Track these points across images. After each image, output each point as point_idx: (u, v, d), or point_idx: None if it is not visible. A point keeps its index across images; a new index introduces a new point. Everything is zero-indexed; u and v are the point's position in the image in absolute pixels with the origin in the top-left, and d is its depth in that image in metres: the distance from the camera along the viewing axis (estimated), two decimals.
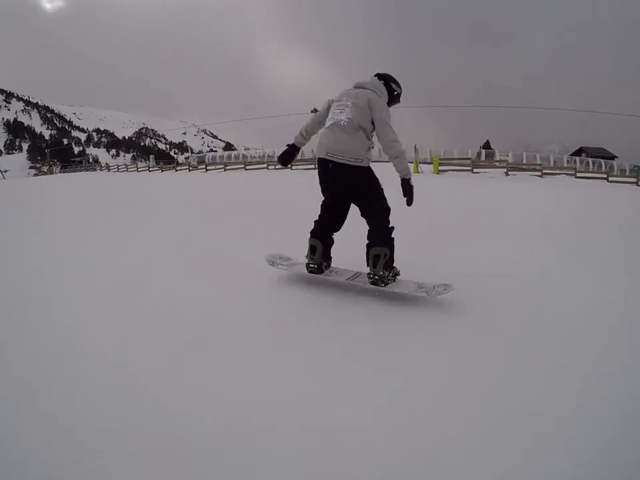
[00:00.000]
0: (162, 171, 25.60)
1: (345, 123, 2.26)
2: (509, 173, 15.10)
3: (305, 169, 16.18)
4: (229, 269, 2.90)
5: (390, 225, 2.34)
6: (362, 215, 2.40)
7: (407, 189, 2.30)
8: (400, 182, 2.31)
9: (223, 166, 22.51)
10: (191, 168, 24.16)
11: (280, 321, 2.14)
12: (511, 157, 26.78)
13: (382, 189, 2.36)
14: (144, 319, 2.13)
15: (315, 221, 2.55)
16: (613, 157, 33.23)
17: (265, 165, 20.35)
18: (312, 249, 2.51)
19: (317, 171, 2.47)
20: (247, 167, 21.30)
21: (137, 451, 1.22)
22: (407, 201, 2.33)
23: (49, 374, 1.63)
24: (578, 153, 40.08)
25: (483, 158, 26.92)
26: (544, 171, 15.58)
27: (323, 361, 1.74)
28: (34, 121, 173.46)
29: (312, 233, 2.54)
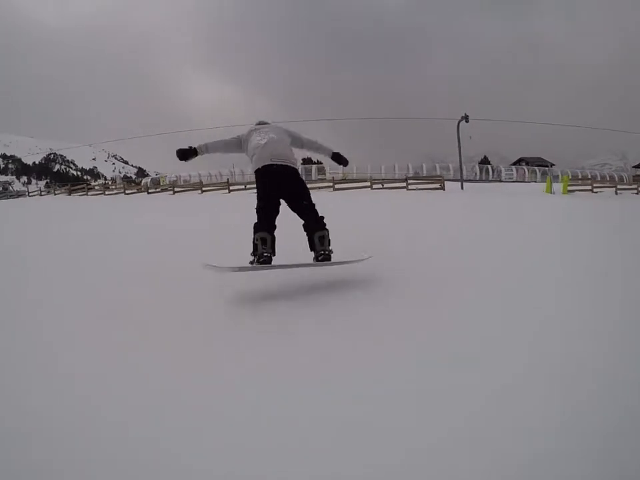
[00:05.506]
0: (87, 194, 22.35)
1: (277, 138, 2.78)
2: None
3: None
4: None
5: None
6: (295, 208, 2.78)
7: (341, 157, 3.15)
8: (332, 157, 3.14)
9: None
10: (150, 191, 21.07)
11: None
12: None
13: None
14: None
15: (255, 223, 2.67)
16: (549, 165, 32.45)
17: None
18: (262, 240, 2.59)
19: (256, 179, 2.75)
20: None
21: None
22: (344, 162, 3.18)
23: None
24: (518, 162, 41.44)
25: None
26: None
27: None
28: None
29: (257, 229, 2.63)
